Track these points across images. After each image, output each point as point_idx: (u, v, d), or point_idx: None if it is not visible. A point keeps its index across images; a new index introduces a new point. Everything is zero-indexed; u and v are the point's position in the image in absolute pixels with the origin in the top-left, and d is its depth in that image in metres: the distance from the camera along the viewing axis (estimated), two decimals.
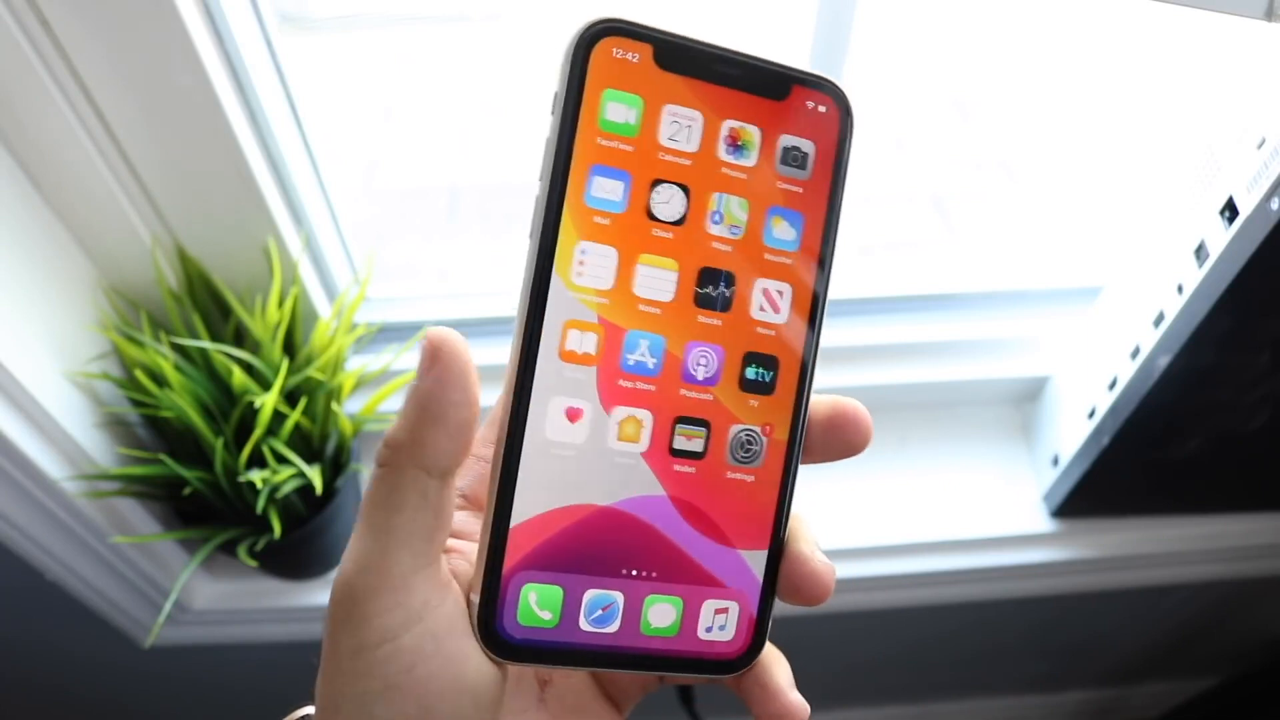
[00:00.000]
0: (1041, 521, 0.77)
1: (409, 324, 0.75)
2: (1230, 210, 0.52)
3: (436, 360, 0.22)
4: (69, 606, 0.72)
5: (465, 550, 0.26)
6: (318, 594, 0.75)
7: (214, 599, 0.75)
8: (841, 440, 0.26)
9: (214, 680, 0.91)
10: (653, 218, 0.25)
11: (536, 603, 0.24)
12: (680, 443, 0.25)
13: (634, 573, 0.25)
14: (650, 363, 0.25)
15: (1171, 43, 1.77)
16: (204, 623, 0.77)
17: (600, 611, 0.25)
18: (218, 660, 0.84)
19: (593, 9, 0.24)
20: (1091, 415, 0.68)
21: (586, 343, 0.24)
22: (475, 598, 0.24)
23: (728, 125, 0.25)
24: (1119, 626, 1.02)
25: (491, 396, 0.78)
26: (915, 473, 0.81)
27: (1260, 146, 0.49)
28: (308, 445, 0.65)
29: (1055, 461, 0.75)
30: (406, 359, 0.72)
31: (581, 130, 0.24)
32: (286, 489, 0.61)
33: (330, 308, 0.72)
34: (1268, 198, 0.48)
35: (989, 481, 0.80)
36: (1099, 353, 0.68)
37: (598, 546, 0.25)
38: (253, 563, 0.64)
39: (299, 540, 0.67)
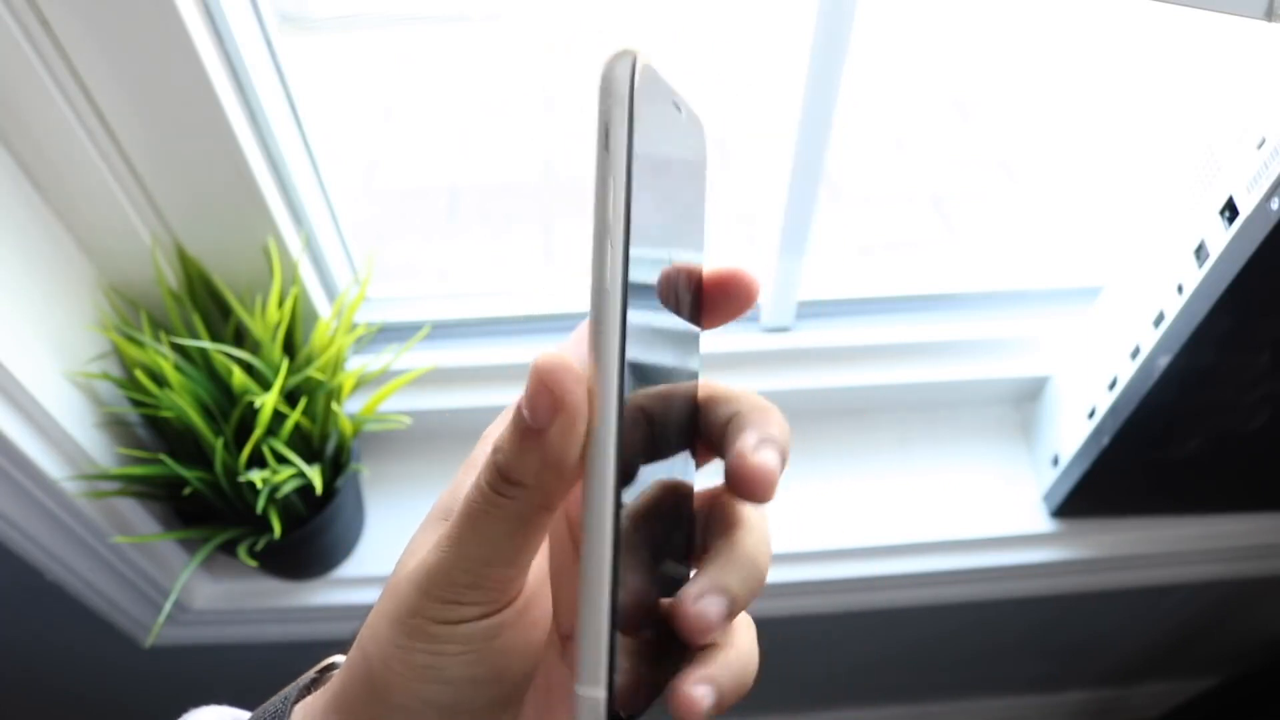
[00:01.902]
0: (1041, 521, 0.77)
1: (409, 324, 0.75)
2: (1230, 210, 0.52)
3: (560, 410, 0.21)
4: (69, 606, 0.72)
5: None
6: (318, 594, 0.75)
7: (214, 599, 0.75)
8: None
9: (214, 680, 0.91)
10: None
11: None
12: None
13: None
14: None
15: (1171, 43, 1.78)
16: (204, 623, 0.77)
17: None
18: (218, 660, 0.84)
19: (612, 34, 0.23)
20: (1091, 415, 0.68)
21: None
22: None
23: None
24: (1119, 626, 1.02)
25: (489, 395, 0.77)
26: (915, 473, 0.81)
27: (1260, 146, 0.49)
28: (308, 445, 0.65)
29: (1055, 461, 0.75)
30: (407, 359, 0.72)
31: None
32: (286, 489, 0.61)
33: (330, 308, 0.72)
34: (1268, 198, 0.48)
35: (989, 481, 0.80)
36: (1099, 353, 0.68)
37: None
38: (253, 563, 0.64)
39: (299, 540, 0.67)
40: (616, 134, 0.22)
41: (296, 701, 0.27)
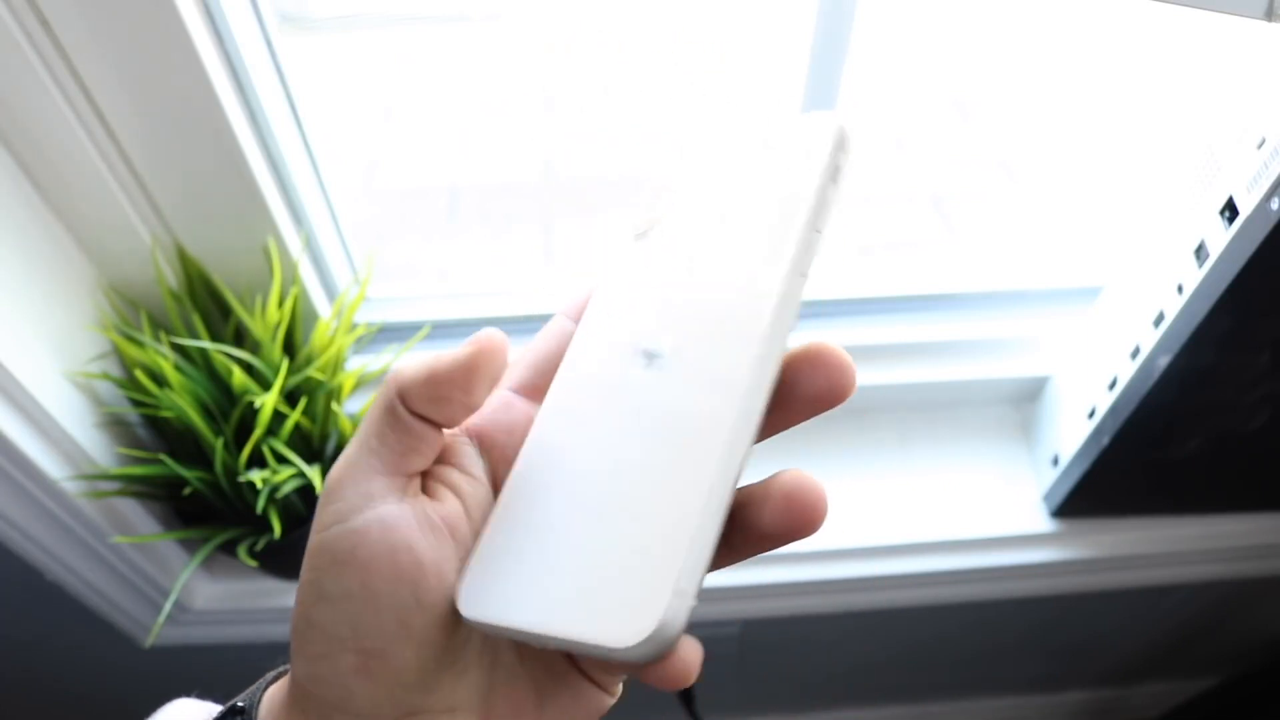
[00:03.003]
0: (1041, 521, 0.77)
1: (409, 324, 0.75)
2: (1230, 210, 0.52)
3: (473, 348, 0.25)
4: (69, 606, 0.72)
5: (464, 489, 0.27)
6: None
7: (214, 599, 0.75)
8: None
9: (214, 680, 0.91)
10: None
11: None
12: None
13: None
14: None
15: (1171, 43, 1.78)
16: (204, 623, 0.77)
17: None
18: (218, 660, 0.84)
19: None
20: (1091, 415, 0.68)
21: None
22: None
23: None
24: (1119, 626, 1.02)
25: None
26: (915, 473, 0.81)
27: (1260, 146, 0.49)
28: (308, 445, 0.65)
29: (1055, 461, 0.75)
30: (406, 359, 0.72)
31: None
32: (286, 489, 0.61)
33: (330, 308, 0.72)
34: (1268, 198, 0.48)
35: (989, 481, 0.80)
36: (1099, 353, 0.68)
37: None
38: (253, 563, 0.64)
39: (299, 540, 0.67)
40: (842, 179, 0.26)
41: (273, 683, 0.28)
